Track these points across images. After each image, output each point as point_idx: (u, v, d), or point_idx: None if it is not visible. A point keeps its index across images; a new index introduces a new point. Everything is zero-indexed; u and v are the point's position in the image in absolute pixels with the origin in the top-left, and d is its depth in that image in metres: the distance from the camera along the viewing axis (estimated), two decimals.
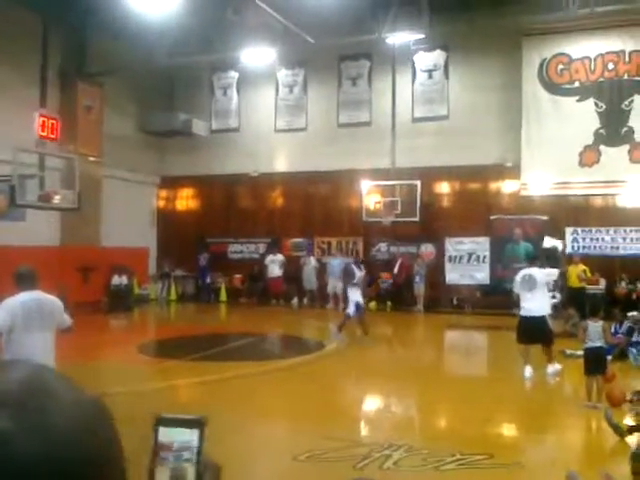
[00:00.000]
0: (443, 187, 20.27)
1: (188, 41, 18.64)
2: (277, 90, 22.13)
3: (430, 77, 20.35)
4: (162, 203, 23.83)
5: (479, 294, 19.18)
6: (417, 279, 19.15)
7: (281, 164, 21.96)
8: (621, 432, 6.39)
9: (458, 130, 19.46)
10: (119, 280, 19.15)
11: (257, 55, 18.67)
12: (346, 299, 13.70)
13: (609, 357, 8.73)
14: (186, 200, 23.67)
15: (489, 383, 10.03)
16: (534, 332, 9.33)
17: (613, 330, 11.16)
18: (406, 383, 9.86)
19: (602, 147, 18.22)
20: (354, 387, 9.60)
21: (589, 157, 18.32)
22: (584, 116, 18.34)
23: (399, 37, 17.90)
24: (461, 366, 12.07)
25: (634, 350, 10.76)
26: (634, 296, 16.28)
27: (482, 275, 19.26)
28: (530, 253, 10.36)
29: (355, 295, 13.12)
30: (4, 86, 16.66)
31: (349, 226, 20.86)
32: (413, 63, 20.40)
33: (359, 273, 13.62)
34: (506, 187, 19.55)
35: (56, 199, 14.26)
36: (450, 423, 7.92)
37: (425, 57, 20.30)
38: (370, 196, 20.22)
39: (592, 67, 18.51)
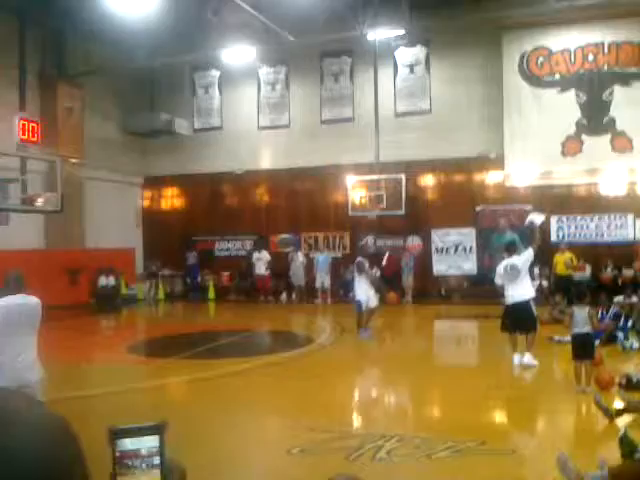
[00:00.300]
0: (428, 180, 20.36)
1: (168, 41, 18.58)
2: (259, 88, 22.09)
3: (412, 72, 20.41)
4: (147, 203, 23.73)
5: (467, 284, 19.38)
6: (405, 271, 19.30)
7: (265, 161, 21.94)
8: (611, 415, 6.46)
9: (441, 124, 19.57)
10: (106, 281, 19.05)
11: (238, 54, 18.63)
12: (354, 294, 13.38)
13: (596, 342, 8.83)
14: (171, 199, 23.59)
15: (479, 371, 10.10)
16: (519, 318, 9.38)
17: (600, 315, 11.28)
18: (397, 373, 9.89)
19: (584, 137, 18.39)
20: (345, 379, 9.61)
21: (571, 147, 18.48)
22: (565, 107, 18.51)
23: (380, 33, 17.96)
24: (451, 355, 12.14)
25: (621, 334, 10.88)
26: (619, 281, 16.46)
27: (469, 265, 19.45)
28: (511, 243, 10.38)
29: (361, 291, 12.73)
30: None
31: (335, 221, 20.90)
32: (394, 58, 20.45)
33: (371, 271, 13.37)
34: (490, 178, 19.68)
35: (39, 202, 14.13)
36: (442, 411, 7.97)
37: (406, 52, 20.35)
38: (355, 191, 20.28)
39: (572, 59, 18.66)
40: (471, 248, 19.47)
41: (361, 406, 8.45)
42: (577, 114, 18.49)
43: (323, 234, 21.10)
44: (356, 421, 7.65)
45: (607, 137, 18.18)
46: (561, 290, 14.85)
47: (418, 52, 20.31)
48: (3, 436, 0.65)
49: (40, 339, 5.47)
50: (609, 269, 17.29)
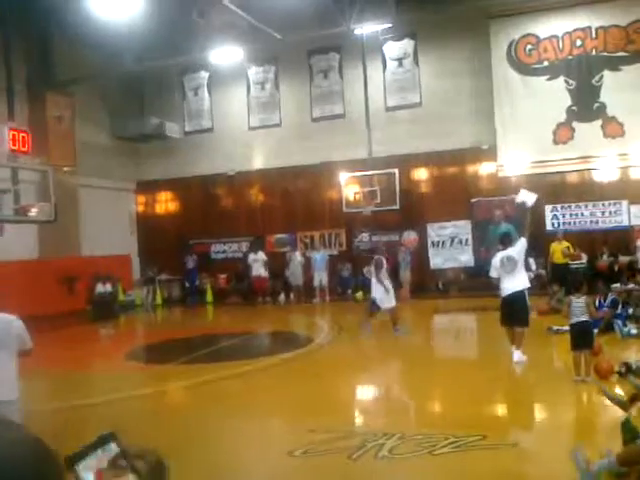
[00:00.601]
0: (421, 174, 20.34)
1: (156, 45, 18.49)
2: (249, 88, 22.05)
3: (400, 65, 20.38)
4: (141, 208, 23.67)
5: (464, 277, 19.37)
6: (402, 266, 19.23)
7: (258, 161, 21.90)
8: (624, 405, 6.31)
9: (432, 116, 19.54)
10: (103, 288, 19.00)
11: (226, 55, 18.57)
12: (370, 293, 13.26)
13: (595, 331, 8.81)
14: (165, 203, 23.53)
15: (479, 365, 10.09)
16: (513, 310, 9.23)
17: (597, 303, 11.27)
18: (397, 370, 9.89)
19: (575, 123, 18.39)
20: (345, 379, 9.60)
21: (563, 134, 18.47)
22: (555, 94, 18.49)
23: (367, 28, 17.93)
24: (450, 349, 12.12)
25: (619, 322, 10.87)
26: (616, 268, 16.46)
27: (466, 258, 19.45)
28: (506, 234, 10.30)
29: (377, 290, 12.58)
30: None
31: (330, 218, 20.88)
32: (383, 53, 20.41)
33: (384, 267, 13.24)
34: (484, 169, 19.67)
35: (33, 212, 14.09)
36: (442, 407, 7.96)
37: (394, 46, 20.32)
38: (349, 187, 20.25)
39: (560, 45, 18.64)
40: (467, 240, 19.47)
41: (362, 405, 8.44)
42: (567, 101, 18.48)
43: (319, 232, 21.07)
44: (357, 420, 7.63)
45: (598, 123, 18.17)
46: (558, 279, 14.84)
47: (406, 45, 20.27)
48: None
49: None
50: (605, 256, 17.30)
